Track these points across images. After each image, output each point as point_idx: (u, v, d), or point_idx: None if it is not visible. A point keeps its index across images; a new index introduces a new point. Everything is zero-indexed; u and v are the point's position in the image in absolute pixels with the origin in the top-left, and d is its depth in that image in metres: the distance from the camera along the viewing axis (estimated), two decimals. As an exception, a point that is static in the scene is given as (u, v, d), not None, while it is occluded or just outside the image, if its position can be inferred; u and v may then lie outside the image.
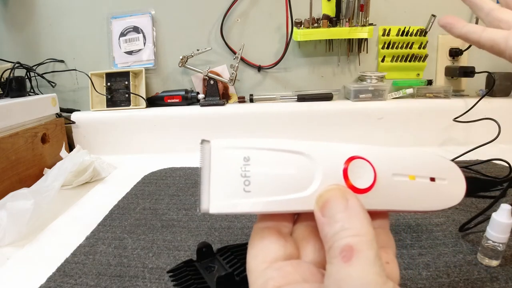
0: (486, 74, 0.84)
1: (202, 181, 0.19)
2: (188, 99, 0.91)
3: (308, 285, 0.18)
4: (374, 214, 0.21)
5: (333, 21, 0.83)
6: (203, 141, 0.19)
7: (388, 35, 0.88)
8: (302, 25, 0.85)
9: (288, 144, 0.19)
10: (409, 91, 0.88)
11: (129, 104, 0.90)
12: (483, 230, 0.39)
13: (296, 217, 0.22)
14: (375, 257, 0.16)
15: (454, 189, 0.22)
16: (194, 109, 0.88)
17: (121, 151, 0.89)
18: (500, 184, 0.58)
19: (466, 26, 0.30)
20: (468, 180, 0.22)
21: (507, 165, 0.64)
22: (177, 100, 0.91)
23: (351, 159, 0.20)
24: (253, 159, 0.19)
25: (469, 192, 0.23)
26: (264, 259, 0.19)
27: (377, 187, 0.20)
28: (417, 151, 0.22)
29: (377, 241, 0.21)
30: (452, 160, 0.70)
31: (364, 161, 0.20)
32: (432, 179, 0.21)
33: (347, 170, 0.19)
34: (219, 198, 0.18)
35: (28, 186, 0.62)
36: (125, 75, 0.90)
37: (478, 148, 0.69)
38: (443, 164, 0.22)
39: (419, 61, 0.89)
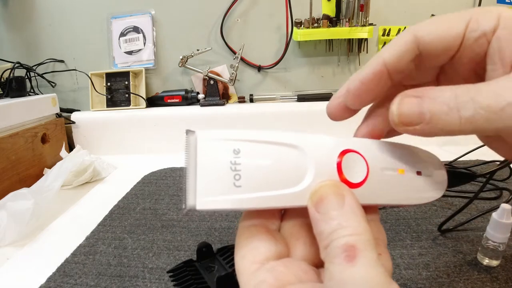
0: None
1: (188, 175, 0.17)
2: (188, 99, 0.91)
3: (303, 285, 0.17)
4: (364, 208, 0.21)
5: (333, 21, 0.83)
6: (188, 132, 0.17)
7: (388, 35, 0.88)
8: (302, 25, 0.85)
9: (280, 136, 0.18)
10: (409, 91, 0.87)
11: (129, 104, 0.90)
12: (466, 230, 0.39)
13: (283, 213, 0.21)
14: (377, 257, 0.15)
15: (437, 182, 0.22)
16: (194, 109, 0.88)
17: (121, 151, 0.89)
18: (483, 176, 0.55)
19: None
20: (448, 172, 0.22)
21: (507, 167, 0.64)
22: (177, 100, 0.91)
23: (344, 152, 0.19)
24: (244, 152, 0.17)
25: (450, 185, 0.23)
26: (254, 259, 0.18)
27: (369, 181, 0.19)
28: (403, 144, 0.21)
29: None
30: (453, 161, 0.70)
31: (357, 154, 0.19)
32: (419, 173, 0.21)
33: (341, 164, 0.18)
34: (207, 194, 0.17)
35: (28, 186, 0.62)
36: (125, 75, 0.90)
37: (479, 149, 0.69)
38: (427, 157, 0.22)
39: (419, 61, 0.89)
